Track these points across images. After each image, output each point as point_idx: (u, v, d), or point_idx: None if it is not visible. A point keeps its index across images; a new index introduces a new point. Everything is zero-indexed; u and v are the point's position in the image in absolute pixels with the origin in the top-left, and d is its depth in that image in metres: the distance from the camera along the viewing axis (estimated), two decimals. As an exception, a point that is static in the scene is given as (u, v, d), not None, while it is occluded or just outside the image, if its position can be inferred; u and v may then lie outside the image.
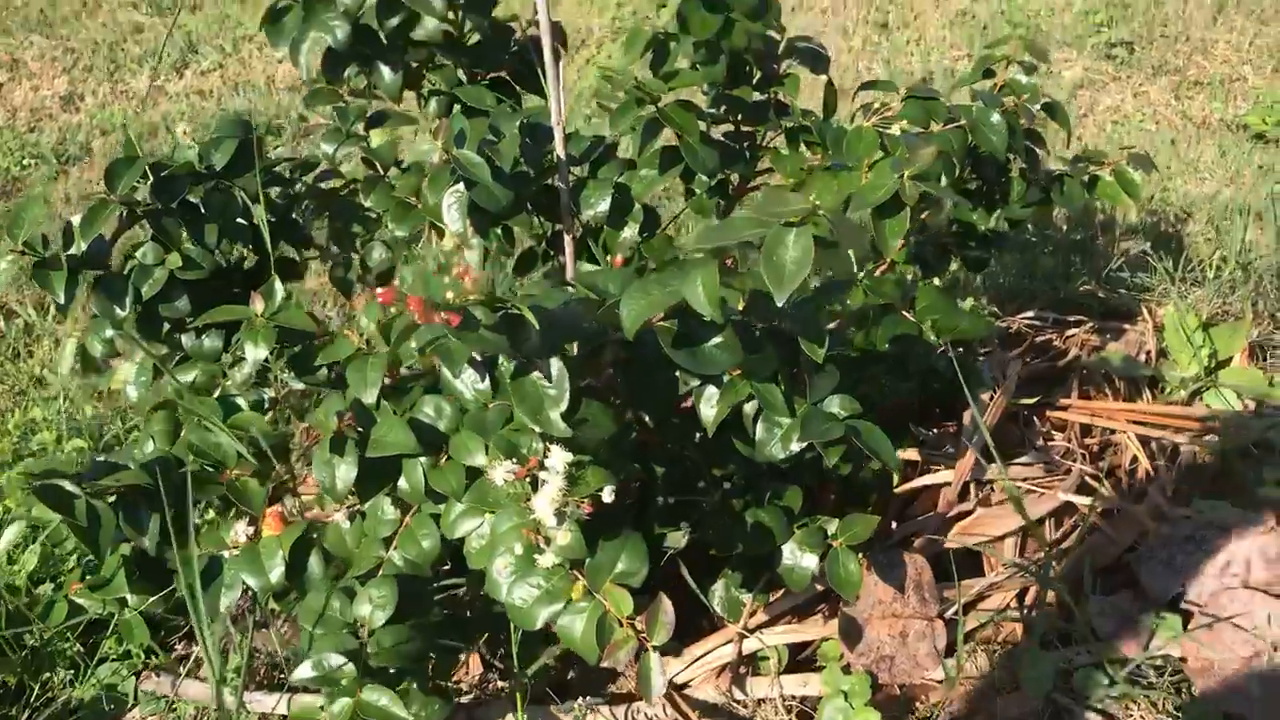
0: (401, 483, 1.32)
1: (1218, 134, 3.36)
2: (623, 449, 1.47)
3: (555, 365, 1.11)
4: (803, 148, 1.61)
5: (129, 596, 1.61)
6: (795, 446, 1.26)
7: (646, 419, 1.40)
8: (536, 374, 1.14)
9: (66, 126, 4.32)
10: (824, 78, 1.66)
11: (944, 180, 1.48)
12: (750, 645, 1.57)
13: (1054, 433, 1.89)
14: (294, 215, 1.79)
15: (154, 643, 1.71)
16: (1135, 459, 1.82)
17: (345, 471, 1.28)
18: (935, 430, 1.88)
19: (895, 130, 1.55)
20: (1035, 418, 1.90)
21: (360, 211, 1.83)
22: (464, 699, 1.63)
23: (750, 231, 0.95)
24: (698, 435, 1.51)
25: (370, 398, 1.32)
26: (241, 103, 4.35)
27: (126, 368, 1.76)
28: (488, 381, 1.30)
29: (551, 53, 1.42)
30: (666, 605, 1.14)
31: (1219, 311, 2.28)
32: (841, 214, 0.93)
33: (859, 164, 1.47)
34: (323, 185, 1.87)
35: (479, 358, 1.30)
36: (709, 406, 1.27)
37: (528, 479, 1.18)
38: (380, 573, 1.33)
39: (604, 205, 1.53)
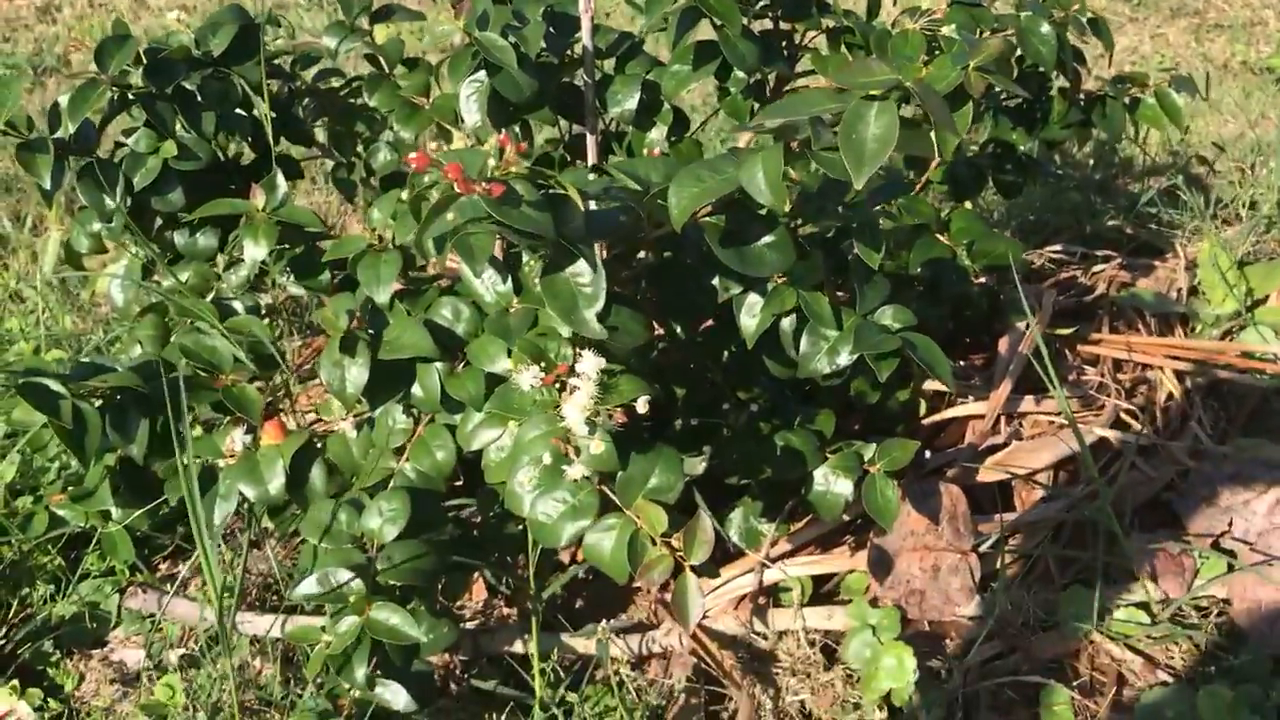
0: (415, 389, 1.22)
1: (1240, 77, 3.27)
2: (646, 363, 1.38)
3: (593, 257, 1.01)
4: (844, 49, 1.51)
5: (113, 510, 1.52)
6: (844, 360, 1.18)
7: (678, 330, 1.31)
8: (570, 269, 1.04)
9: (44, 37, 4.16)
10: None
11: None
12: (771, 576, 1.49)
13: (1086, 367, 1.81)
14: (295, 110, 1.68)
15: (139, 560, 1.61)
16: (1171, 395, 1.74)
17: (356, 374, 1.19)
18: (963, 361, 1.80)
19: (946, 32, 1.45)
20: (1067, 351, 1.82)
21: (363, 111, 1.72)
22: (469, 625, 1.55)
23: (825, 105, 0.85)
24: (725, 353, 1.43)
25: (383, 296, 1.23)
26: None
27: (112, 268, 1.65)
28: (510, 282, 1.20)
29: (583, -69, 1.31)
30: (705, 523, 1.06)
31: (1250, 251, 2.20)
32: (929, 87, 0.84)
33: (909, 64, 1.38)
34: (321, 85, 1.76)
35: (499, 255, 1.21)
36: (750, 316, 1.18)
37: (555, 386, 1.09)
38: (391, 484, 1.24)
39: (631, 103, 1.43)
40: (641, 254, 1.26)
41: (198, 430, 1.70)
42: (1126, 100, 1.76)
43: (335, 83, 1.75)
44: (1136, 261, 2.14)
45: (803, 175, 1.12)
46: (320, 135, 1.72)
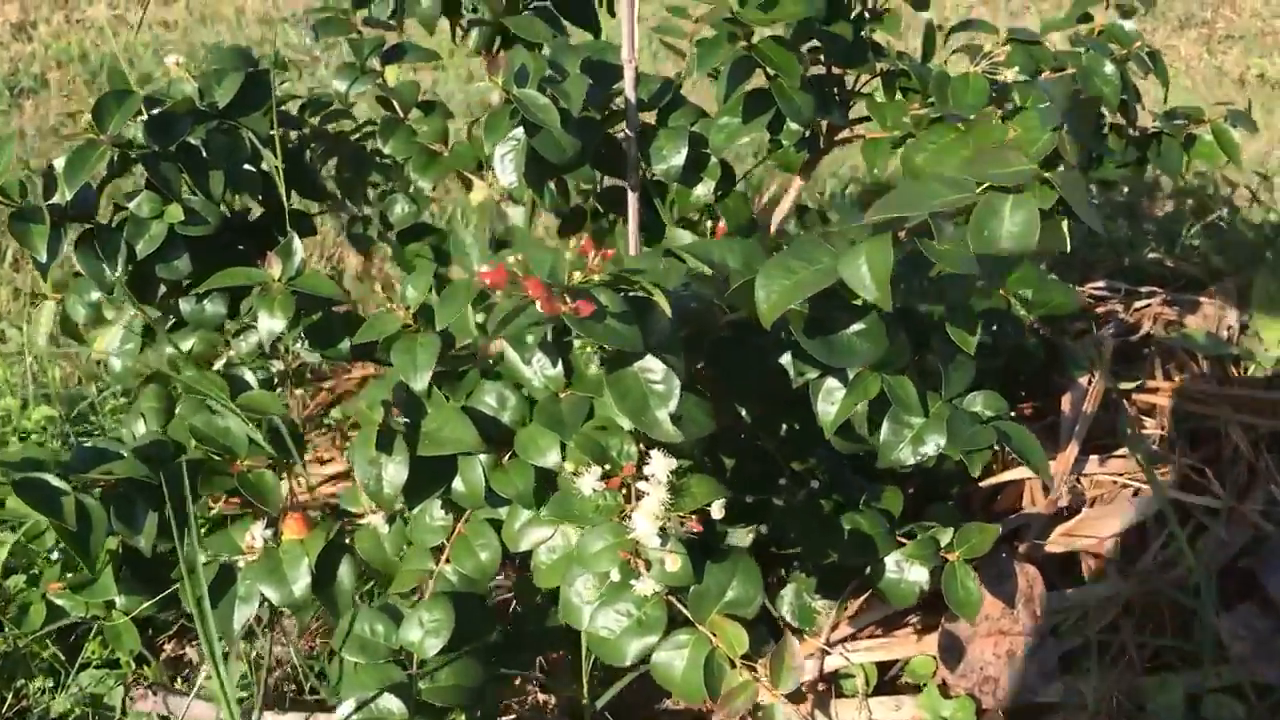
0: (457, 484, 1.11)
1: (1259, 91, 3.19)
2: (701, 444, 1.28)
3: (679, 363, 0.91)
4: (899, 94, 1.41)
5: (118, 599, 1.41)
6: (930, 450, 1.07)
7: (742, 413, 1.20)
8: (639, 364, 0.93)
9: (19, 56, 4.01)
10: (925, 15, 1.45)
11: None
12: (831, 662, 1.39)
13: (1144, 418, 1.72)
14: (308, 161, 1.57)
15: (143, 647, 1.50)
16: (1238, 449, 1.65)
17: (394, 473, 1.08)
18: (1016, 416, 1.70)
19: (1006, 77, 1.36)
20: (1124, 402, 1.73)
21: (376, 158, 1.61)
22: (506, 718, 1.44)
23: (947, 197, 0.75)
24: (784, 428, 1.33)
25: (421, 384, 1.11)
26: (209, 35, 4.06)
27: (111, 334, 1.53)
28: (560, 366, 1.09)
29: (627, -25, 1.20)
30: (794, 645, 0.95)
31: (1299, 284, 2.11)
32: (1077, 177, 0.74)
33: (975, 115, 1.28)
34: (329, 128, 1.64)
35: (549, 338, 1.10)
36: (828, 403, 1.07)
37: (621, 489, 0.99)
38: (430, 590, 1.13)
39: (678, 159, 1.32)
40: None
41: (214, 509, 1.59)
42: (1183, 137, 1.67)
43: (345, 125, 1.64)
44: (1182, 297, 2.05)
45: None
46: (333, 187, 1.61)
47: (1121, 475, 1.58)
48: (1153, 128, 1.68)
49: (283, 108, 1.56)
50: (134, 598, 1.37)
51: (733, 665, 0.98)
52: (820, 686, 1.40)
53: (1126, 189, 2.45)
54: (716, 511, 0.98)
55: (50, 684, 1.51)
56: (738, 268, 0.94)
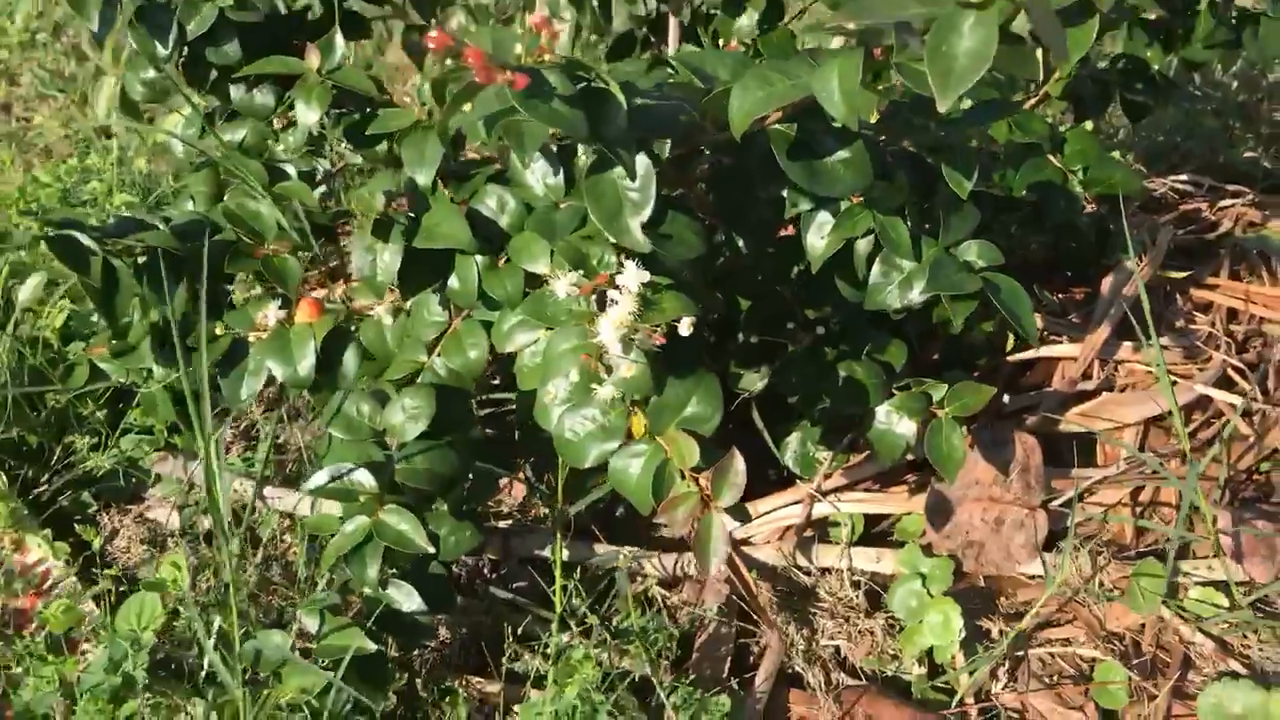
0: (453, 281, 1.14)
1: None
2: (707, 275, 1.28)
3: (642, 162, 0.91)
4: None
5: (154, 367, 1.49)
6: (916, 296, 1.06)
7: (740, 243, 1.20)
8: (619, 170, 0.94)
9: None
10: None
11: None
12: (822, 509, 1.41)
13: (1196, 314, 1.66)
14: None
15: (180, 419, 1.58)
16: (1288, 355, 1.59)
17: (389, 259, 1.11)
18: (1061, 295, 1.66)
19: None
20: (1178, 294, 1.67)
21: (444, -28, 1.61)
22: (503, 524, 1.50)
23: (914, 9, 0.73)
24: (796, 269, 1.32)
25: (426, 178, 1.13)
26: None
27: (174, 117, 1.59)
28: (562, 175, 1.10)
29: None
30: (738, 463, 0.97)
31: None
32: (1040, -1, 0.71)
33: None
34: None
35: (554, 145, 1.11)
36: (818, 236, 1.07)
37: (594, 296, 1.00)
38: (419, 379, 1.17)
39: (722, -15, 1.30)
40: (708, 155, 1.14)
41: (238, 294, 1.65)
42: (1287, 23, 1.56)
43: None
44: (1270, 200, 1.94)
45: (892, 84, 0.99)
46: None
47: (1159, 366, 1.53)
48: (1255, 7, 1.59)
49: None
50: (169, 368, 1.45)
51: (683, 477, 1.00)
52: (808, 532, 1.42)
53: (1236, 83, 2.31)
54: (684, 328, 0.99)
55: (94, 442, 1.61)
56: (725, 78, 0.93)
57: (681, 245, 1.02)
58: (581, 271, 1.00)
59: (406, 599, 1.16)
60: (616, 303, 0.97)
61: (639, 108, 0.92)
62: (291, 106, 1.48)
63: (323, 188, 1.52)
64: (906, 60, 0.78)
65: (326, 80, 1.31)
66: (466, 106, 0.77)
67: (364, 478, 1.10)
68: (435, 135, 1.14)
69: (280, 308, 1.25)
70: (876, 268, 1.08)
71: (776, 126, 0.94)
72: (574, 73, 0.79)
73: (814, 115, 0.92)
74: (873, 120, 1.08)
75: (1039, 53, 0.77)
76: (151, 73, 1.44)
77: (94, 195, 2.13)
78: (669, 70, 0.96)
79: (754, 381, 1.37)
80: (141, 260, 1.19)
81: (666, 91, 0.92)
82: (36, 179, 2.14)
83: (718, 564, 0.96)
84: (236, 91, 1.45)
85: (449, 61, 0.76)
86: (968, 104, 1.11)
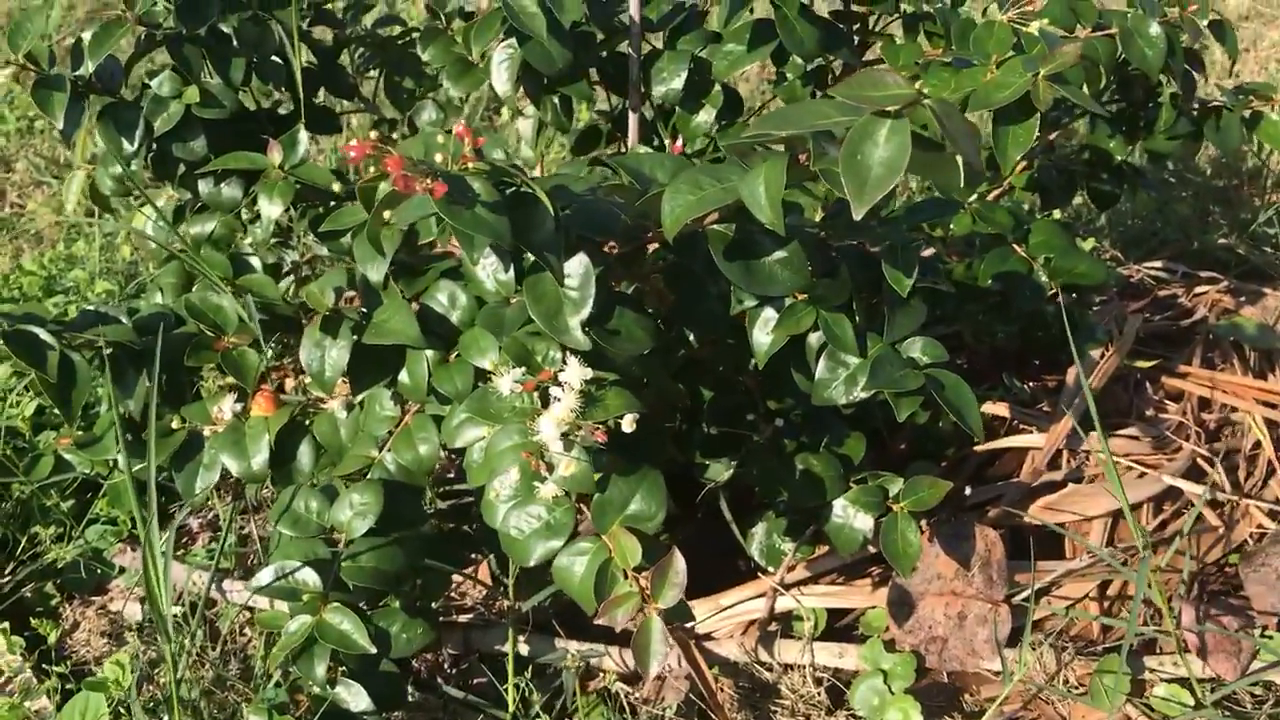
0: (403, 377, 1.14)
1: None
2: (668, 367, 1.28)
3: (579, 264, 0.92)
4: (921, 38, 1.38)
5: (120, 459, 1.49)
6: (860, 393, 1.06)
7: (690, 338, 1.20)
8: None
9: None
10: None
11: (1085, 90, 1.24)
12: (785, 603, 1.39)
13: (1167, 402, 1.65)
14: (340, 61, 1.61)
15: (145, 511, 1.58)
16: (1258, 444, 1.58)
17: (337, 356, 1.11)
18: (1030, 384, 1.66)
19: (1034, 29, 1.30)
20: (1148, 383, 1.66)
21: (417, 65, 1.63)
22: (464, 618, 1.48)
23: (831, 119, 0.74)
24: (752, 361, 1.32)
25: (377, 275, 1.13)
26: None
27: (148, 209, 1.61)
28: (512, 271, 1.10)
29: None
30: (678, 562, 0.96)
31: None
32: (954, 107, 0.71)
33: (986, 62, 1.24)
34: (381, 32, 1.68)
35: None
36: (763, 333, 1.07)
37: (538, 392, 1.00)
38: (369, 475, 1.17)
39: (677, 82, 1.32)
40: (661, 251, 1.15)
41: (211, 383, 1.66)
42: (1246, 114, 1.58)
43: (395, 30, 1.68)
44: (1245, 286, 1.95)
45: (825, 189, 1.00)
46: (368, 89, 1.64)
47: (1128, 456, 1.52)
48: (1215, 101, 1.60)
49: (328, 5, 1.60)
50: (133, 460, 1.45)
51: (625, 577, 0.99)
52: (771, 626, 1.40)
53: (1210, 170, 2.33)
54: (627, 425, 0.99)
55: (59, 533, 1.60)
56: (662, 180, 0.94)
57: (629, 341, 1.03)
58: (525, 368, 1.01)
59: (354, 698, 1.14)
60: (559, 400, 0.97)
61: (580, 208, 0.92)
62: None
63: (290, 279, 1.54)
64: (828, 166, 0.79)
65: (290, 175, 1.32)
66: (387, 213, 0.77)
67: (308, 576, 1.10)
68: (390, 233, 1.15)
69: (238, 401, 1.26)
70: (822, 363, 1.08)
71: (715, 227, 0.95)
72: (500, 179, 0.80)
73: (750, 216, 0.93)
74: (819, 216, 1.09)
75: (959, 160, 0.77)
76: (119, 168, 1.46)
77: (76, 283, 2.15)
78: (606, 172, 0.97)
79: (720, 471, 1.37)
80: (108, 353, 1.19)
81: (602, 194, 0.93)
82: (21, 267, 2.16)
83: (657, 666, 0.95)
84: (205, 185, 1.47)
85: (372, 169, 0.77)
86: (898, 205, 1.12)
